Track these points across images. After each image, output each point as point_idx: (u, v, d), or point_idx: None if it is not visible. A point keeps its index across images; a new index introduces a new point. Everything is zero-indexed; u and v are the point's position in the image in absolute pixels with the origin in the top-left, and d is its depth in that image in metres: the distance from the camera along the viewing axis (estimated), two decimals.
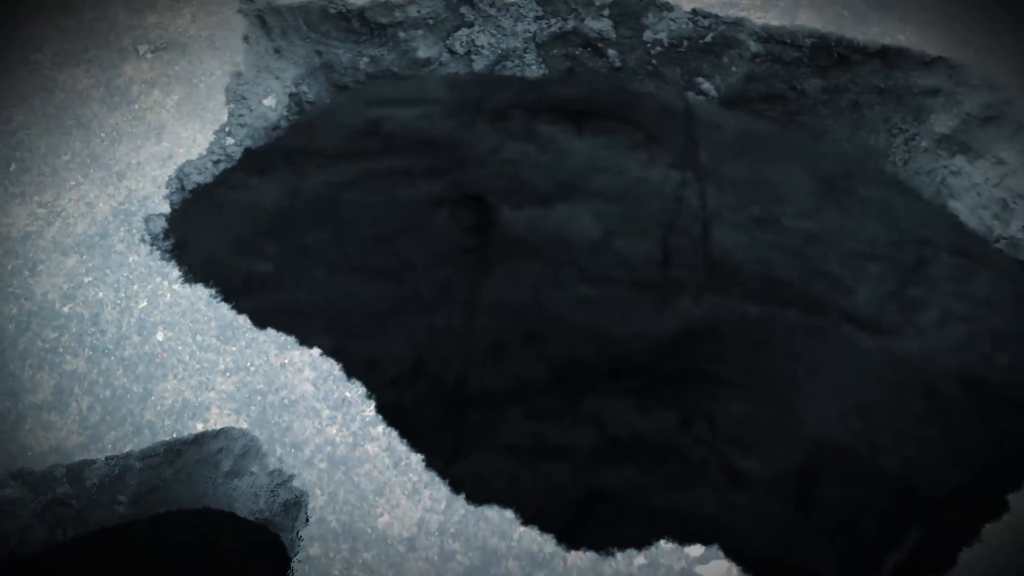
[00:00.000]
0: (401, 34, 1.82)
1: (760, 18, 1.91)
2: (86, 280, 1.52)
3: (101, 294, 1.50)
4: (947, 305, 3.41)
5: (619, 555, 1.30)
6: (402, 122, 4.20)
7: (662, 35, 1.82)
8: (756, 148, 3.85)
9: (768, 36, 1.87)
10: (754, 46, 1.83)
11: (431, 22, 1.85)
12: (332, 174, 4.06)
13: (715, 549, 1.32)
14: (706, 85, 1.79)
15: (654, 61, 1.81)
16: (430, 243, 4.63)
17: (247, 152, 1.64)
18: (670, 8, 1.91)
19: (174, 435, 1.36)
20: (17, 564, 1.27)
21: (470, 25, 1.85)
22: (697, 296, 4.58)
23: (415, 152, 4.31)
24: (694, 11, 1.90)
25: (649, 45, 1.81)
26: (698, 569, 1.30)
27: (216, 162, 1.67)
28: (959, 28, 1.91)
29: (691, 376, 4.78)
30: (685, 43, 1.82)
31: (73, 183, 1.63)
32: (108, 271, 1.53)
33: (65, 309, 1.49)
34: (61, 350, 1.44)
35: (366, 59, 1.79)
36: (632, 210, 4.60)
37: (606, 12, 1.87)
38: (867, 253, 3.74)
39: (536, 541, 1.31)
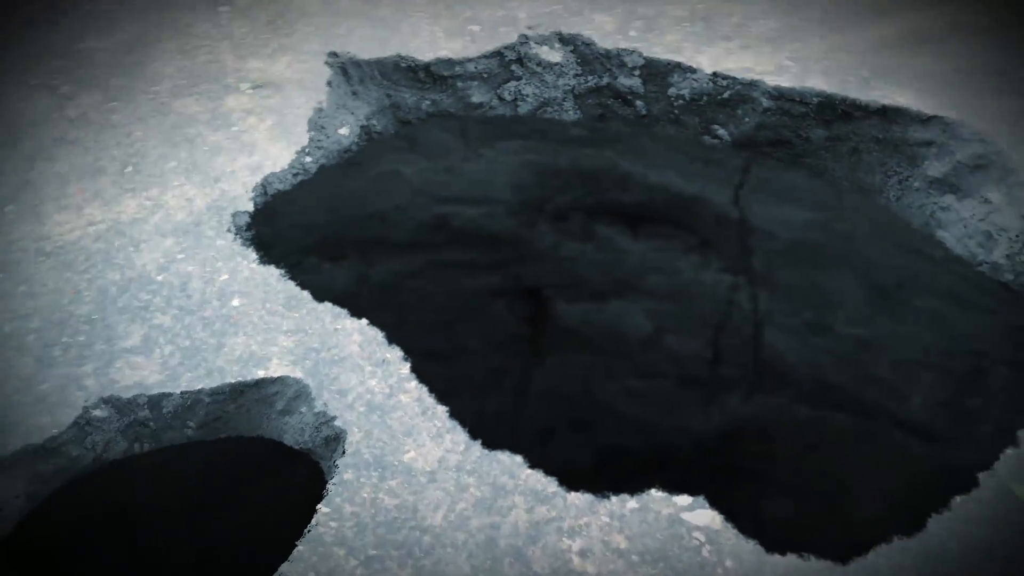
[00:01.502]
0: (459, 84, 2.10)
1: (773, 81, 2.14)
2: (179, 256, 1.77)
3: (190, 268, 1.75)
4: (1003, 416, 3.42)
5: (614, 498, 1.43)
6: (468, 219, 4.47)
7: (685, 91, 2.06)
8: (809, 256, 3.98)
9: (779, 95, 2.09)
10: (766, 102, 2.06)
11: (485, 75, 2.13)
12: (399, 263, 4.35)
13: (701, 499, 1.44)
14: (721, 131, 2.01)
15: (676, 111, 2.04)
16: (486, 331, 4.82)
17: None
18: (693, 71, 2.16)
19: (239, 379, 1.57)
20: (101, 467, 1.47)
21: (518, 79, 2.13)
22: (746, 395, 4.60)
23: (478, 246, 4.56)
24: (715, 74, 2.14)
25: (672, 98, 2.05)
26: (684, 515, 1.42)
27: (295, 175, 1.94)
28: (955, 94, 2.10)
29: (738, 472, 4.76)
30: (705, 98, 2.05)
31: (176, 183, 1.92)
32: (198, 251, 1.78)
33: (159, 278, 1.74)
34: (152, 308, 1.68)
35: (428, 102, 2.08)
36: (684, 309, 4.71)
37: (637, 72, 2.13)
38: (920, 361, 3.76)
39: (540, 481, 1.45)
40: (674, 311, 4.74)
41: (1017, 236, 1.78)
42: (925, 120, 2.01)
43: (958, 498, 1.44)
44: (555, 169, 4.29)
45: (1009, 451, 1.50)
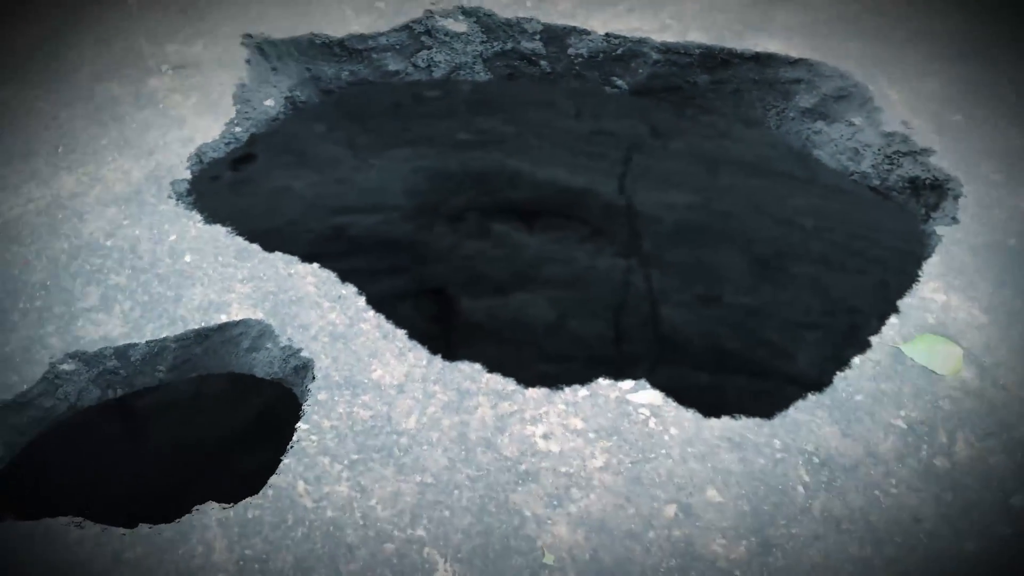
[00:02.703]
0: (375, 55, 2.22)
1: (659, 37, 2.36)
2: (124, 223, 1.81)
3: (137, 232, 1.79)
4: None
5: (567, 389, 1.58)
6: (365, 227, 4.54)
7: (583, 50, 2.24)
8: (694, 235, 4.25)
9: (666, 49, 2.31)
10: (655, 55, 2.27)
11: (398, 47, 2.26)
12: None
13: (643, 382, 1.61)
14: (619, 82, 2.21)
15: (577, 68, 2.23)
16: None
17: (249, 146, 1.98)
18: (588, 33, 2.35)
19: (202, 324, 1.63)
20: (77, 414, 1.50)
21: (429, 48, 2.26)
22: (651, 368, 4.84)
23: (378, 253, 4.64)
24: (607, 34, 2.34)
25: (572, 57, 2.23)
26: (629, 396, 1.58)
27: (227, 143, 2.01)
28: (816, 41, 2.36)
29: None
30: (601, 55, 2.24)
31: (111, 159, 1.95)
32: (143, 216, 1.83)
33: (108, 243, 1.77)
34: (106, 270, 1.72)
35: (346, 72, 2.18)
36: (583, 295, 4.91)
37: (537, 36, 2.30)
38: (802, 322, 4.07)
39: (500, 382, 1.58)
40: (574, 297, 4.95)
41: (880, 149, 2.05)
42: (793, 62, 2.26)
43: (857, 359, 1.67)
44: (446, 173, 4.44)
45: (893, 319, 1.74)
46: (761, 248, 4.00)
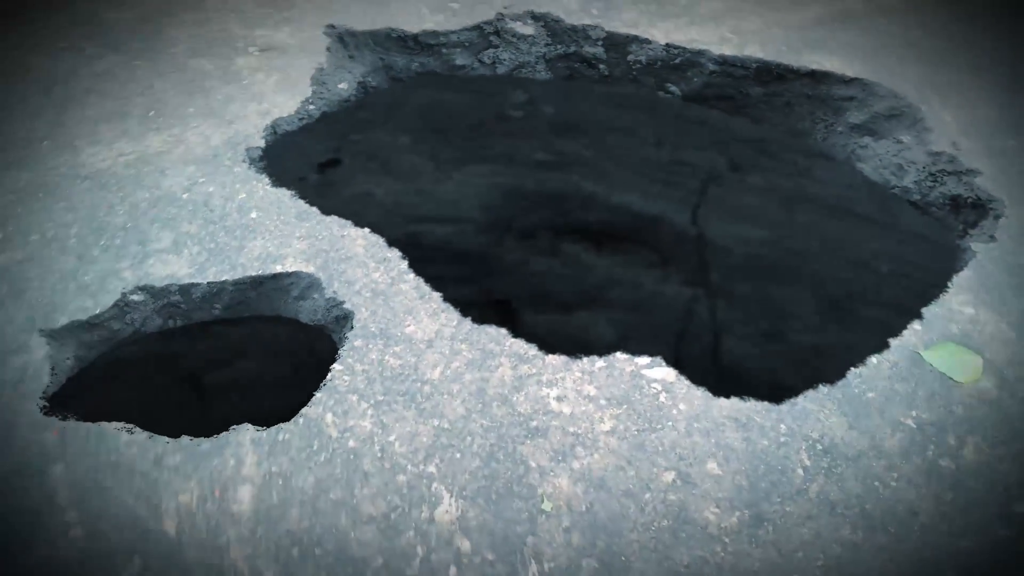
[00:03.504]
0: (444, 50, 2.38)
1: (717, 50, 2.45)
2: (201, 180, 2.00)
3: (211, 188, 1.98)
4: None
5: (585, 359, 1.68)
6: (439, 236, 4.71)
7: (642, 57, 2.35)
8: (763, 270, 4.26)
9: (723, 61, 2.39)
10: (711, 66, 2.36)
11: (467, 44, 2.41)
12: None
13: (659, 359, 1.69)
14: (673, 88, 2.30)
15: (634, 73, 2.33)
16: None
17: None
18: (649, 42, 2.46)
19: (259, 272, 1.80)
20: (140, 338, 1.68)
21: (496, 47, 2.41)
22: None
23: (449, 262, 4.79)
24: (668, 44, 2.45)
25: (631, 63, 2.34)
26: (644, 371, 1.66)
27: (300, 119, 2.19)
28: (874, 62, 2.42)
29: None
30: (659, 63, 2.35)
31: (195, 124, 2.15)
32: (217, 176, 2.01)
33: (184, 196, 1.96)
34: (180, 219, 1.90)
35: (416, 64, 2.35)
36: (646, 320, 4.95)
37: (600, 43, 2.42)
38: None
39: (523, 347, 1.68)
40: (637, 321, 4.99)
41: (924, 167, 2.09)
42: (848, 81, 2.32)
43: (874, 359, 1.71)
44: (522, 191, 4.57)
45: (917, 325, 1.78)
46: (832, 288, 3.97)
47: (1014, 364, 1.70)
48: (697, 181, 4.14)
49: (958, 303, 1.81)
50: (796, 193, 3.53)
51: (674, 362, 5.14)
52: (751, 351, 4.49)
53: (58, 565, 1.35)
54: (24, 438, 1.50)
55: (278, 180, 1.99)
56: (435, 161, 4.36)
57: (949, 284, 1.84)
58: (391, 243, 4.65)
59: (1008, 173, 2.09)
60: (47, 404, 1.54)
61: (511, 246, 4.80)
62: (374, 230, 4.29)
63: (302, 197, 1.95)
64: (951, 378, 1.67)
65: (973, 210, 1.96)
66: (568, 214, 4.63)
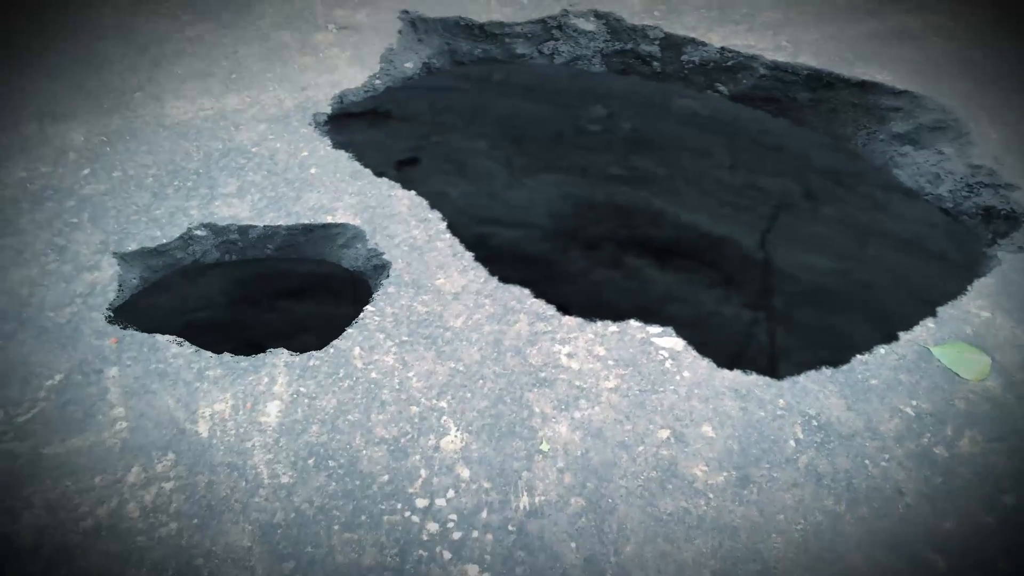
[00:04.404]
0: (507, 39, 2.51)
1: (771, 56, 2.52)
2: (270, 137, 2.18)
3: (278, 145, 2.15)
4: None
5: (599, 323, 1.77)
6: (505, 239, 4.83)
7: (695, 58, 2.43)
8: (828, 300, 4.23)
9: (775, 66, 2.45)
10: (762, 71, 2.42)
11: (529, 36, 2.54)
12: None
13: (670, 330, 1.77)
14: (722, 87, 2.38)
15: (686, 72, 2.42)
16: None
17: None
18: (705, 44, 2.54)
19: (311, 221, 1.95)
20: (199, 267, 1.85)
21: (556, 40, 2.53)
22: None
23: (512, 265, 4.90)
24: (723, 48, 2.52)
25: (684, 63, 2.42)
26: (655, 339, 1.75)
27: (366, 92, 2.36)
28: (926, 77, 2.44)
29: None
30: (711, 64, 2.43)
31: (271, 89, 2.34)
32: (285, 135, 2.19)
33: (253, 149, 2.14)
34: (247, 169, 2.08)
35: (479, 50, 2.48)
36: (703, 338, 4.96)
37: (657, 42, 2.52)
38: None
39: (542, 306, 1.79)
40: (694, 339, 4.99)
41: (962, 178, 2.11)
42: (897, 93, 2.35)
43: (882, 349, 1.75)
44: (592, 202, 4.66)
45: (930, 323, 1.81)
46: (896, 324, 3.92)
47: None
48: (769, 207, 4.14)
49: (976, 307, 1.84)
50: (870, 226, 3.51)
51: None
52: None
53: (102, 451, 1.51)
54: (87, 342, 1.67)
55: (339, 143, 2.15)
56: (509, 167, 4.48)
57: (968, 287, 1.86)
58: (460, 243, 4.80)
59: None
60: (111, 315, 1.72)
61: (575, 255, 4.87)
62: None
63: (357, 159, 2.11)
64: (957, 375, 1.70)
65: (1005, 221, 1.98)
66: (635, 228, 4.68)
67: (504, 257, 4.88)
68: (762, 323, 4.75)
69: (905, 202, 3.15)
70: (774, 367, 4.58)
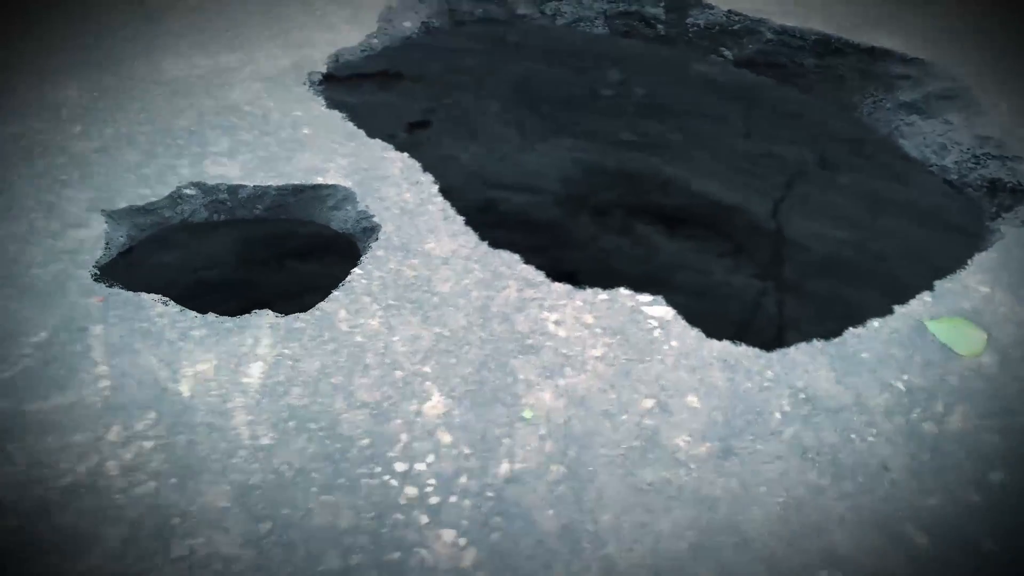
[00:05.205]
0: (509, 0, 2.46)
1: (779, 20, 2.45)
2: (264, 96, 2.14)
3: (272, 104, 2.12)
4: None
5: (589, 290, 1.74)
6: (515, 204, 4.78)
7: (700, 20, 2.37)
8: (839, 271, 4.17)
9: (782, 31, 2.39)
10: (769, 35, 2.36)
11: None
12: None
13: (660, 299, 1.74)
14: (726, 52, 2.32)
15: (690, 35, 2.36)
16: None
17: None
18: (711, 7, 2.47)
19: (301, 182, 1.92)
20: (187, 226, 1.84)
21: (560, 0, 2.47)
22: None
23: (522, 230, 4.85)
24: (730, 10, 2.46)
25: (689, 26, 2.36)
26: (644, 308, 1.72)
27: (363, 51, 2.31)
28: (939, 45, 2.37)
29: None
30: (717, 28, 2.36)
31: (267, 48, 2.29)
32: (279, 93, 2.15)
33: (247, 108, 2.11)
34: (239, 128, 2.05)
35: (480, 10, 2.43)
36: (711, 307, 4.91)
37: (661, 3, 2.45)
38: None
39: (531, 272, 1.76)
40: (701, 308, 4.94)
41: (968, 148, 2.05)
42: (907, 60, 2.28)
43: (876, 322, 1.72)
44: (602, 168, 4.59)
45: (927, 297, 1.77)
46: (908, 296, 3.86)
47: (1021, 345, 1.68)
48: (783, 175, 4.08)
49: (975, 281, 1.79)
50: (886, 197, 3.44)
51: None
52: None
53: (84, 409, 1.51)
54: (72, 300, 1.66)
55: (333, 103, 2.12)
56: (521, 131, 4.42)
57: (969, 261, 1.82)
58: (468, 206, 4.76)
59: None
60: (98, 272, 1.71)
61: (584, 221, 4.82)
62: (454, 192, 4.42)
63: (351, 120, 2.07)
64: (952, 350, 1.66)
65: (1011, 195, 1.92)
66: (645, 195, 4.62)
67: (514, 222, 4.84)
68: (771, 293, 4.70)
69: (923, 173, 3.08)
70: (781, 337, 4.55)
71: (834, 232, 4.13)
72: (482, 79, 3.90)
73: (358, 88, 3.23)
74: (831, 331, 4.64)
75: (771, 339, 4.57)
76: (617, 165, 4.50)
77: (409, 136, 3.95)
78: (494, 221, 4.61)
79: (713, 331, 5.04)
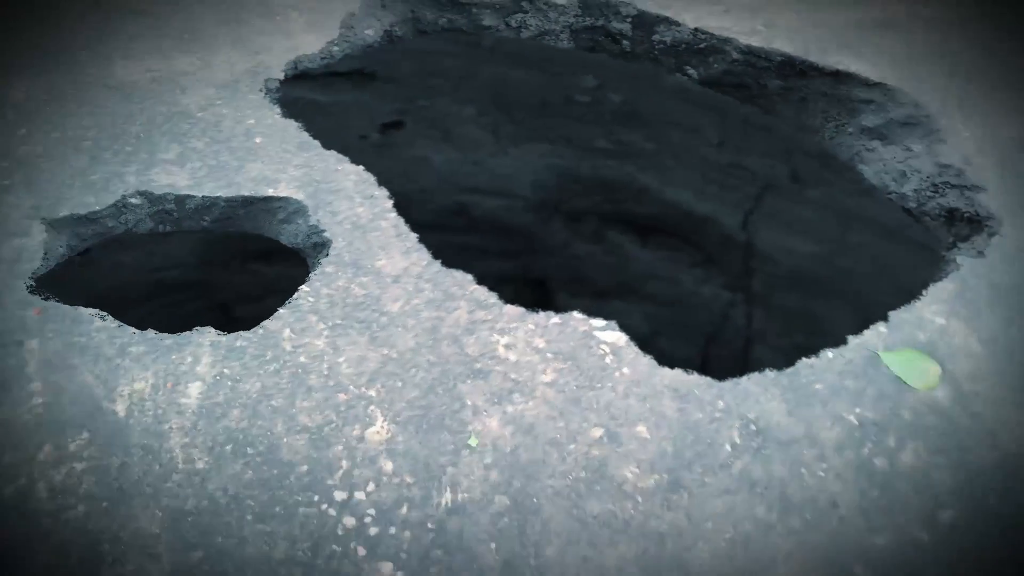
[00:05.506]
0: (474, 9, 2.42)
1: (745, 40, 2.44)
2: (217, 102, 2.09)
3: (225, 111, 2.07)
4: None
5: (541, 313, 1.71)
6: (487, 209, 4.75)
7: (667, 38, 2.35)
8: (807, 285, 4.18)
9: (748, 51, 2.37)
10: (735, 55, 2.35)
11: (498, 7, 2.45)
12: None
13: (614, 323, 1.72)
14: (691, 71, 2.30)
15: (656, 52, 2.34)
16: None
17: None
18: (678, 24, 2.45)
19: (251, 193, 1.88)
20: (130, 237, 1.78)
21: (525, 12, 2.44)
22: None
23: (493, 235, 4.83)
24: (696, 29, 2.44)
25: (655, 43, 2.34)
26: (597, 333, 1.69)
27: (323, 59, 2.27)
28: (904, 70, 2.37)
29: None
30: (683, 46, 2.35)
31: (224, 52, 2.24)
32: (233, 100, 2.10)
33: (199, 114, 2.05)
34: (190, 135, 1.99)
35: (444, 19, 2.40)
36: (680, 317, 4.91)
37: (628, 19, 2.43)
38: None
39: (484, 294, 1.72)
40: (671, 317, 4.95)
41: (928, 176, 2.05)
42: (871, 85, 2.28)
43: (830, 352, 1.71)
44: (576, 174, 4.57)
45: (882, 327, 1.76)
46: (874, 312, 3.89)
47: (975, 379, 1.67)
48: (755, 187, 4.08)
49: (930, 312, 1.79)
50: (855, 212, 3.46)
51: (701, 362, 5.06)
52: (779, 363, 4.41)
53: (16, 428, 1.45)
54: (8, 312, 1.60)
55: (288, 113, 2.07)
56: (495, 135, 4.39)
57: (924, 292, 1.81)
58: (440, 210, 4.68)
59: (1014, 194, 2.03)
60: (34, 284, 1.65)
61: (557, 227, 4.81)
62: (425, 195, 4.33)
63: (307, 130, 2.03)
64: (906, 383, 1.66)
65: (968, 224, 1.92)
66: (618, 203, 4.61)
67: (485, 227, 4.81)
68: (740, 305, 4.72)
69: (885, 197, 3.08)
70: (748, 350, 4.56)
71: (803, 246, 4.14)
72: (457, 82, 3.87)
73: (331, 86, 3.18)
74: (797, 345, 4.64)
75: (738, 351, 4.59)
76: (591, 172, 4.48)
77: (382, 136, 3.90)
78: (465, 225, 4.58)
79: (684, 341, 5.02)
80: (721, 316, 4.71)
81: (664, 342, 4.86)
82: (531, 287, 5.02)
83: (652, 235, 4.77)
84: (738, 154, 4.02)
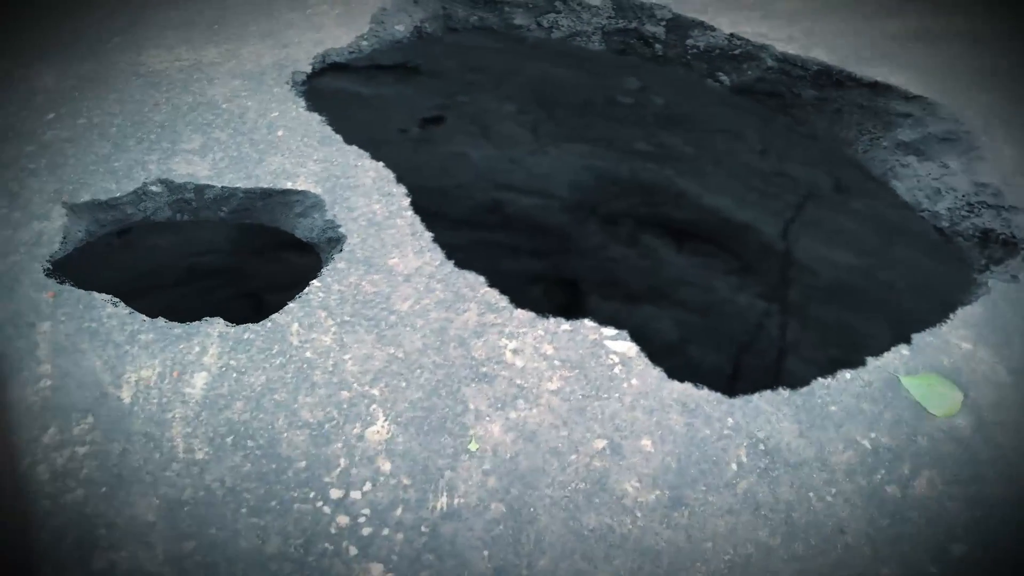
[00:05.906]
0: (506, 8, 2.41)
1: (782, 47, 2.39)
2: (243, 94, 2.11)
3: (250, 103, 2.08)
4: None
5: (552, 319, 1.70)
6: (522, 207, 4.74)
7: (701, 43, 2.32)
8: (845, 297, 4.10)
9: (784, 59, 2.33)
10: (770, 62, 2.30)
11: (531, 6, 2.43)
12: (449, 236, 4.65)
13: (625, 333, 1.69)
14: (724, 77, 2.26)
15: (688, 57, 2.30)
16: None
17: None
18: (713, 29, 2.42)
19: (270, 186, 1.89)
20: (149, 224, 1.80)
21: (558, 12, 2.42)
22: None
23: (527, 234, 4.81)
24: (731, 34, 2.40)
25: (689, 47, 2.31)
26: (607, 342, 1.67)
27: (351, 53, 2.27)
28: (944, 84, 2.30)
29: None
30: (717, 51, 2.31)
31: (252, 43, 2.26)
32: (258, 93, 2.12)
33: (224, 105, 2.07)
34: (213, 126, 2.01)
35: (476, 17, 2.39)
36: (713, 325, 4.85)
37: (663, 23, 2.40)
38: None
39: (495, 297, 1.71)
40: (703, 324, 4.88)
41: (963, 196, 1.99)
42: (910, 98, 2.22)
43: (848, 373, 1.66)
44: (614, 176, 4.53)
45: (904, 350, 1.71)
46: (914, 328, 3.81)
47: (998, 408, 1.62)
48: (796, 196, 4.01)
49: (957, 336, 1.73)
50: (900, 225, 3.38)
51: (732, 371, 5.00)
52: (812, 375, 4.34)
53: (23, 408, 1.48)
54: (23, 293, 1.63)
55: (313, 106, 2.08)
56: (535, 133, 4.37)
57: (952, 315, 1.76)
58: (475, 206, 4.67)
59: None
60: (51, 267, 1.68)
61: (592, 229, 4.78)
62: (461, 190, 4.32)
63: (330, 124, 2.03)
64: (925, 409, 1.61)
65: (1003, 247, 1.86)
66: (656, 207, 4.57)
67: (520, 225, 4.79)
68: (775, 315, 4.64)
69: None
70: (781, 361, 4.48)
71: (843, 257, 4.06)
72: (499, 78, 3.86)
73: (374, 79, 3.19)
74: (832, 358, 4.55)
75: (771, 362, 4.51)
76: (629, 174, 4.44)
77: (422, 131, 3.91)
78: (499, 223, 4.57)
79: (715, 350, 4.94)
80: (755, 325, 4.64)
81: (694, 349, 4.80)
82: (562, 288, 4.99)
83: (688, 240, 4.71)
84: (781, 162, 3.95)
